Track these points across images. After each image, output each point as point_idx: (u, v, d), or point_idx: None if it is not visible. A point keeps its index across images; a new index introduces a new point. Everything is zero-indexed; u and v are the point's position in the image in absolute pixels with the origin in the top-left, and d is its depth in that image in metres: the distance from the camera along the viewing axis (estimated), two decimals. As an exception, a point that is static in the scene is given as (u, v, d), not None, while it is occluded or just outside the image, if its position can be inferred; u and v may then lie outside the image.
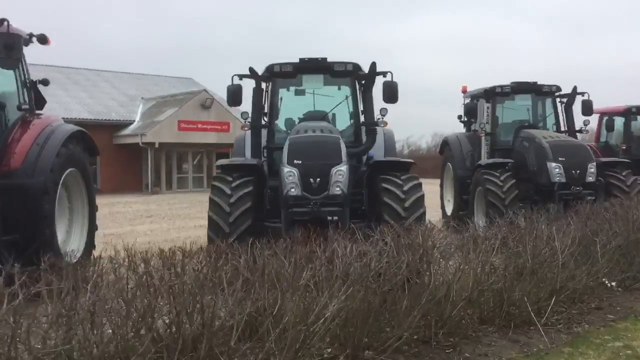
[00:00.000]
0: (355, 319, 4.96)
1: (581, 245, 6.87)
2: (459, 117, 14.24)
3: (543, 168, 10.80)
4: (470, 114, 13.16)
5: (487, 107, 12.73)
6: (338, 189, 7.34)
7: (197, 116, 32.14)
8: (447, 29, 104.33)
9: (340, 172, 7.39)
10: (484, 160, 12.04)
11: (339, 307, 4.69)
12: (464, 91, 14.21)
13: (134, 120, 32.73)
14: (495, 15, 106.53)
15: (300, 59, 9.33)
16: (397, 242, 5.66)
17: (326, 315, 4.64)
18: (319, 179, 7.34)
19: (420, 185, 7.91)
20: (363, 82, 9.37)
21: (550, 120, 12.94)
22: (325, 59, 9.33)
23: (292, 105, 9.98)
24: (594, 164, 10.61)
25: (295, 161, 7.43)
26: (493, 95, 12.78)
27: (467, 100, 13.75)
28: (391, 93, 9.12)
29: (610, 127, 15.81)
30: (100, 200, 26.33)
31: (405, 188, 7.73)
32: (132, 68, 56.90)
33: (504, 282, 5.93)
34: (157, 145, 30.86)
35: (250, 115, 9.11)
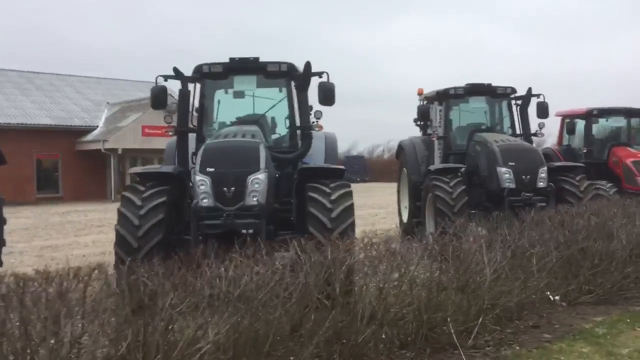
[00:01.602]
0: (244, 348, 4.37)
1: (514, 258, 6.36)
2: (415, 120, 13.73)
3: (493, 173, 10.30)
4: (423, 117, 12.63)
5: (440, 110, 12.23)
6: (254, 199, 6.74)
7: (162, 121, 31.29)
8: (432, 33, 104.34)
9: (258, 181, 6.78)
10: (434, 165, 11.52)
11: (215, 337, 4.10)
12: (420, 93, 13.68)
13: (97, 126, 31.86)
14: (478, 20, 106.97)
15: (231, 59, 8.72)
16: (304, 259, 5.08)
17: (204, 349, 4.04)
18: (233, 188, 6.73)
19: (350, 193, 7.34)
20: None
21: (507, 123, 12.46)
22: (258, 58, 8.73)
23: (230, 108, 9.38)
24: (545, 168, 10.13)
25: (208, 169, 6.80)
26: (446, 97, 12.28)
27: (424, 103, 13.21)
28: (327, 95, 8.57)
29: (571, 130, 15.38)
30: (58, 209, 25.61)
31: (333, 197, 7.15)
32: (109, 73, 55.86)
33: (423, 301, 5.37)
34: (120, 152, 30.03)
35: (173, 119, 8.51)
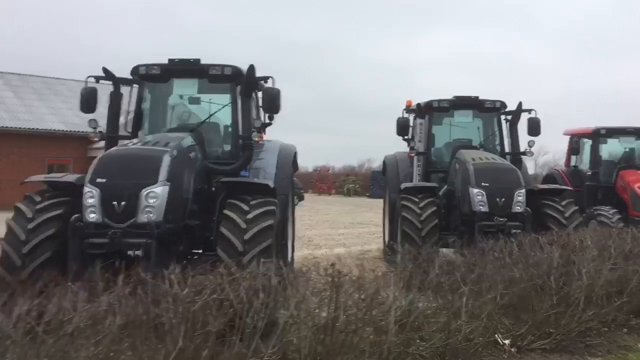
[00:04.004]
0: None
1: (443, 297, 5.42)
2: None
3: (466, 194, 9.29)
4: (402, 131, 11.65)
5: (420, 124, 11.29)
6: (147, 215, 5.94)
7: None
8: (464, 47, 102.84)
9: (153, 195, 5.98)
10: (406, 183, 10.56)
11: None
12: (409, 105, 12.71)
13: (110, 133, 31.75)
14: (514, 34, 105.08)
15: (170, 60, 8.04)
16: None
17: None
18: (124, 203, 5.94)
19: (272, 212, 6.47)
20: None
21: (495, 140, 11.43)
22: (199, 60, 8.02)
23: (170, 114, 8.68)
24: (523, 191, 9.06)
25: (98, 179, 6.03)
26: (429, 110, 11.34)
27: (405, 116, 12.21)
28: (272, 101, 7.85)
29: (576, 150, 14.18)
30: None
31: (251, 216, 6.30)
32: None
33: (309, 347, 4.49)
34: (129, 158, 29.76)
35: (98, 123, 7.88)
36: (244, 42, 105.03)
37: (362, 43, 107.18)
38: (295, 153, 9.39)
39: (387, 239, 12.54)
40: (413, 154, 11.14)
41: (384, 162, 12.86)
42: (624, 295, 6.68)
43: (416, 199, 9.53)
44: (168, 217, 6.11)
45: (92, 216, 5.92)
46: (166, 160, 6.25)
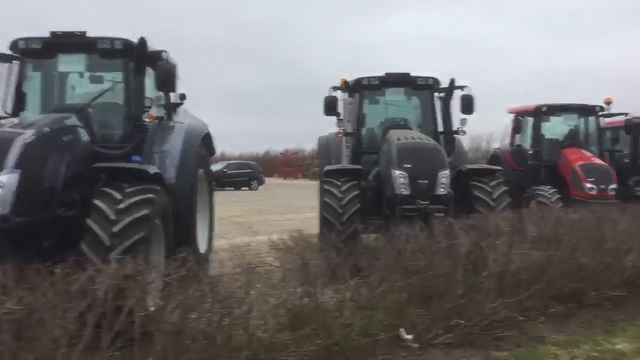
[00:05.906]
0: None
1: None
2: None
3: (389, 176, 8.72)
4: (330, 109, 10.94)
5: (349, 103, 10.66)
6: None
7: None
8: (433, 26, 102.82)
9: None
10: (330, 166, 9.94)
11: None
12: (343, 84, 12.04)
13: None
14: (479, 14, 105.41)
15: (52, 33, 7.24)
16: None
17: None
18: None
19: (149, 201, 5.75)
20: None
21: (429, 119, 10.86)
22: (85, 32, 7.24)
23: (58, 93, 7.88)
24: (447, 172, 8.50)
25: None
26: (359, 88, 10.71)
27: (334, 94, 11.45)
28: (166, 78, 7.16)
29: (517, 129, 13.77)
30: None
31: (123, 205, 5.59)
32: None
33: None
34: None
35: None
36: (208, 24, 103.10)
37: (332, 24, 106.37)
38: (208, 134, 8.68)
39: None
40: (340, 135, 10.52)
41: (318, 144, 12.22)
42: (541, 282, 6.20)
43: (338, 183, 8.93)
44: (19, 209, 5.35)
45: None
46: (18, 144, 5.46)
